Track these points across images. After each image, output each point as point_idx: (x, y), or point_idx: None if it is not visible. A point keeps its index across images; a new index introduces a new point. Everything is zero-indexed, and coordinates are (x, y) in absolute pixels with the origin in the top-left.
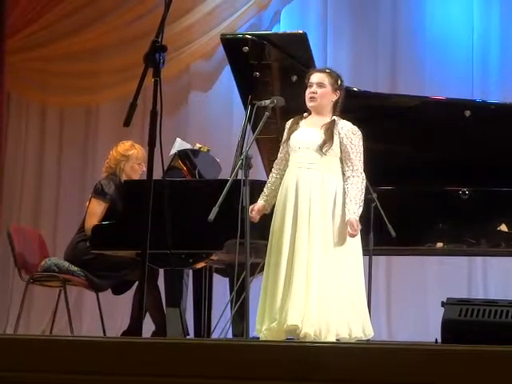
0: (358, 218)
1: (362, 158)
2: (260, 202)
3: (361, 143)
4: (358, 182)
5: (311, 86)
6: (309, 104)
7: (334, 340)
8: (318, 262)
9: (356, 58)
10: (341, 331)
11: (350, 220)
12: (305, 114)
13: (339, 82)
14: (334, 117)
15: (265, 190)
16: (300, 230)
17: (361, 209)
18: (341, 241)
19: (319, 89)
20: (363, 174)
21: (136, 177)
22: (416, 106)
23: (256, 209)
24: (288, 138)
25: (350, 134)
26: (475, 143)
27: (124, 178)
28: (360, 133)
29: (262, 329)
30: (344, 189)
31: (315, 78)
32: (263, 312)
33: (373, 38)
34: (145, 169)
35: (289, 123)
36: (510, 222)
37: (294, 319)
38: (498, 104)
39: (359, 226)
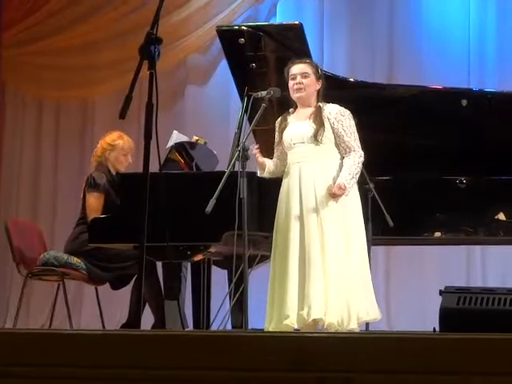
0: (347, 186)
1: (357, 137)
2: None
3: (352, 123)
4: (354, 157)
5: (294, 78)
6: (295, 95)
7: (355, 327)
8: (332, 253)
9: (353, 50)
10: (361, 314)
11: (338, 183)
12: (291, 110)
13: (320, 70)
14: (319, 103)
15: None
16: (308, 224)
17: (353, 181)
18: (350, 227)
19: (304, 79)
20: (361, 152)
21: (121, 168)
22: (413, 95)
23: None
24: (280, 138)
25: (339, 116)
26: (472, 132)
27: (110, 167)
28: (349, 112)
29: (270, 328)
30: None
31: (297, 69)
32: (272, 311)
33: (369, 30)
34: (131, 161)
35: (278, 122)
36: (507, 211)
37: (318, 312)
38: (495, 93)
39: (343, 190)
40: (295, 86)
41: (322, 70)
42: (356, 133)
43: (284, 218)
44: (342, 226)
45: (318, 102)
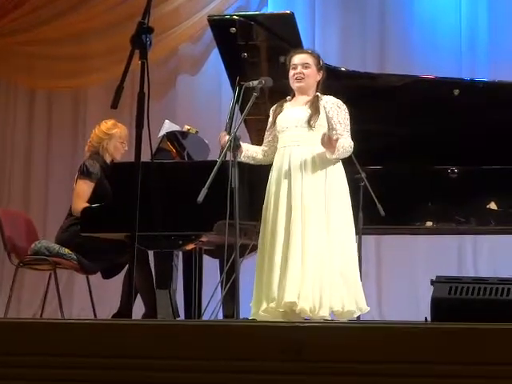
0: (337, 145)
1: (349, 130)
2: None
3: (347, 116)
4: (345, 140)
5: (295, 68)
6: (295, 85)
7: (327, 314)
8: (313, 240)
9: (344, 39)
10: (334, 304)
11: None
12: (288, 98)
13: (321, 62)
14: (317, 93)
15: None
16: (294, 210)
17: (341, 151)
18: (334, 217)
19: (305, 70)
20: (351, 142)
21: (119, 156)
22: (405, 85)
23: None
24: (274, 122)
25: (335, 107)
26: (464, 122)
27: (107, 156)
28: (345, 106)
29: (260, 311)
30: (336, 167)
31: (298, 59)
32: (258, 296)
33: (361, 20)
34: (127, 148)
35: (273, 108)
36: (499, 200)
37: (291, 296)
38: (487, 83)
39: (334, 142)
40: (295, 76)
41: (323, 60)
42: (349, 126)
43: (272, 206)
44: (326, 217)
45: (316, 92)
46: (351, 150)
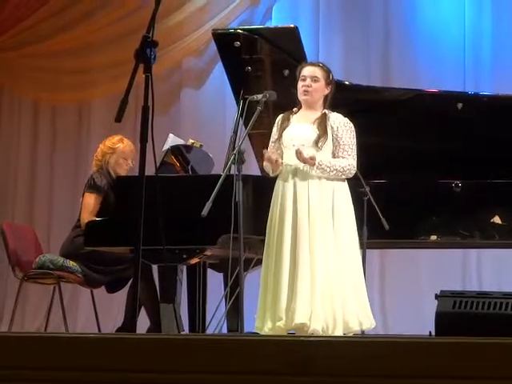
0: (318, 164)
1: (355, 150)
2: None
3: (353, 135)
4: (346, 162)
5: (304, 80)
6: (302, 97)
7: (341, 333)
8: (321, 258)
9: (348, 53)
10: (352, 324)
11: (314, 155)
12: (294, 109)
13: (331, 76)
14: (325, 110)
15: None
16: (301, 227)
17: (328, 171)
18: (341, 235)
19: (314, 83)
20: (354, 163)
21: (121, 171)
22: (408, 98)
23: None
24: (280, 136)
25: (342, 126)
26: (468, 135)
27: (110, 171)
28: (352, 125)
29: (265, 328)
30: (342, 185)
31: (308, 71)
32: (264, 310)
33: (365, 33)
34: (132, 165)
35: (279, 119)
36: (503, 214)
37: (302, 317)
38: (490, 96)
39: (310, 160)
40: (303, 88)
41: (333, 75)
42: (355, 146)
43: (278, 222)
44: (333, 233)
45: (324, 107)
46: (350, 171)
